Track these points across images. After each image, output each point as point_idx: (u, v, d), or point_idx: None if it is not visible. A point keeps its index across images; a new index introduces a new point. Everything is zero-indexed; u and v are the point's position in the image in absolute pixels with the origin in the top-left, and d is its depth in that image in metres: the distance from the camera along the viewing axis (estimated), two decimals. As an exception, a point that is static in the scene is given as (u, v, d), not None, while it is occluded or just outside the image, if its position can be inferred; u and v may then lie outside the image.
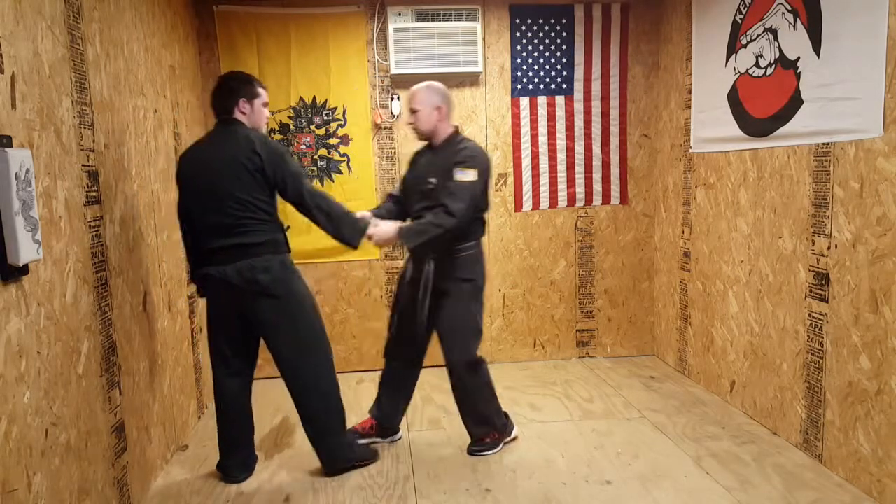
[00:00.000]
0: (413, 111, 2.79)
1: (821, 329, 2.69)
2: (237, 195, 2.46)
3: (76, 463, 2.03)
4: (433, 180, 2.75)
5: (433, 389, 3.60)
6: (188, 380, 3.26)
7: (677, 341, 4.00)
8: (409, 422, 3.23)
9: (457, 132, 2.86)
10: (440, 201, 2.67)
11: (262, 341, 2.69)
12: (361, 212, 2.79)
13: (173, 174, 3.16)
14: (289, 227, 2.68)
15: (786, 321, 2.92)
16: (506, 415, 3.03)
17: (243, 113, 2.60)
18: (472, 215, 2.73)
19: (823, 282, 2.66)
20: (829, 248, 2.62)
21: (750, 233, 3.17)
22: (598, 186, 4.18)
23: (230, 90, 2.59)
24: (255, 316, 2.56)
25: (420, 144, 2.96)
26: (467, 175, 2.68)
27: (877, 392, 2.40)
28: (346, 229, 2.62)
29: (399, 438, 3.10)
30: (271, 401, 3.67)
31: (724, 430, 3.08)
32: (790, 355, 2.90)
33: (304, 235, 3.94)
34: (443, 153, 2.79)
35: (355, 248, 2.69)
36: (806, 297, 2.77)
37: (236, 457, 2.75)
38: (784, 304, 2.92)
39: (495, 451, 2.92)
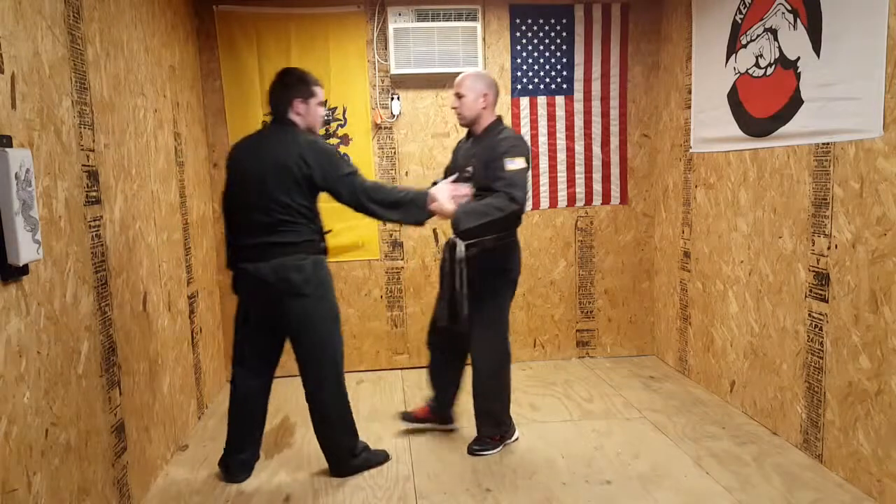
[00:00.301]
0: (459, 96, 2.80)
1: (821, 329, 2.69)
2: (280, 199, 2.47)
3: (76, 463, 2.03)
4: (470, 168, 2.76)
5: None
6: (188, 380, 3.27)
7: (677, 341, 4.00)
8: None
9: (499, 121, 2.85)
10: (496, 189, 2.62)
11: (284, 344, 2.72)
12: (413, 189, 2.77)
13: (173, 174, 3.17)
14: (329, 231, 2.68)
15: (786, 321, 2.92)
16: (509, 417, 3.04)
17: (298, 114, 2.58)
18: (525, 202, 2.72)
19: (823, 282, 2.66)
20: (829, 248, 2.62)
21: (750, 233, 3.17)
22: (597, 186, 4.18)
23: (285, 88, 2.58)
24: (282, 313, 2.56)
25: (452, 137, 2.99)
26: (516, 163, 2.66)
27: (877, 392, 2.40)
28: (411, 213, 2.59)
29: (455, 429, 3.15)
30: (271, 401, 3.66)
31: (724, 430, 3.08)
32: (790, 355, 2.90)
33: (304, 235, 3.94)
34: (483, 142, 2.80)
35: (423, 225, 2.69)
36: (806, 297, 2.77)
37: (240, 456, 2.75)
38: (784, 304, 2.92)
39: (495, 451, 2.93)
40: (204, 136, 3.83)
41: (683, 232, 3.87)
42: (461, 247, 2.76)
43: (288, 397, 3.72)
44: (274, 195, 2.47)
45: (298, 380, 4.13)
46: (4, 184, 1.65)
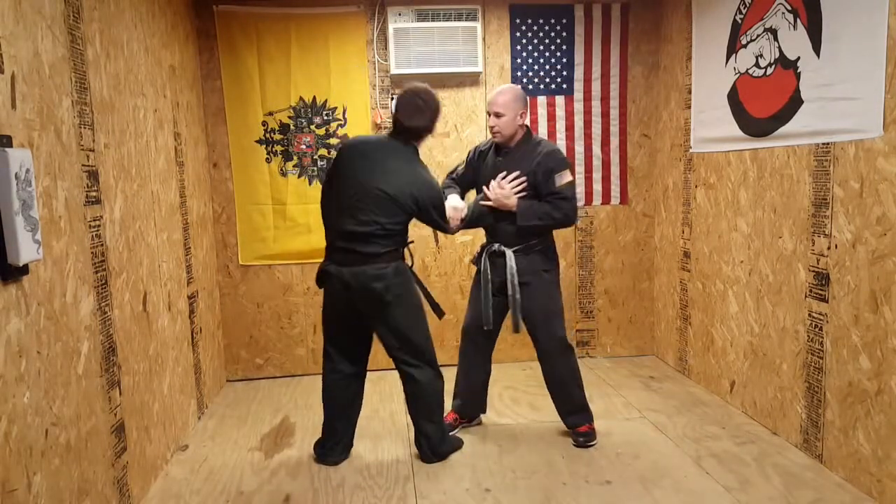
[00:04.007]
0: (498, 115, 2.81)
1: (821, 329, 2.69)
2: (377, 219, 2.60)
3: (76, 463, 2.03)
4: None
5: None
6: (188, 380, 3.27)
7: (677, 341, 4.00)
8: (409, 422, 3.22)
9: (529, 132, 2.93)
10: (548, 199, 2.79)
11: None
12: (453, 197, 2.91)
13: (173, 174, 3.17)
14: (412, 241, 2.81)
15: (786, 321, 2.92)
16: None
17: (422, 138, 2.77)
18: None
19: (823, 282, 2.66)
20: (829, 248, 2.62)
21: (750, 233, 3.17)
22: (597, 186, 4.18)
23: (430, 121, 2.70)
24: (368, 318, 2.72)
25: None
26: (565, 177, 2.80)
27: (877, 392, 2.40)
28: (481, 217, 2.87)
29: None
30: (271, 401, 3.68)
31: (724, 430, 3.08)
32: (790, 355, 2.90)
33: (304, 235, 3.95)
34: (516, 155, 2.86)
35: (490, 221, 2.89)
36: (806, 297, 2.77)
37: (335, 440, 2.88)
38: (784, 304, 2.92)
39: (596, 442, 2.97)
40: (204, 136, 3.83)
41: (683, 232, 3.87)
42: (510, 255, 2.85)
43: (288, 397, 3.72)
44: (372, 214, 2.59)
45: (298, 380, 4.15)
46: (4, 184, 1.65)
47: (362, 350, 2.89)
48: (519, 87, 2.92)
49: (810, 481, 2.58)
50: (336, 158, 2.74)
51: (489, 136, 4.13)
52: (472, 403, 3.17)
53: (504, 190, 2.77)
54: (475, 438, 3.07)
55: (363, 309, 2.68)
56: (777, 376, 3.00)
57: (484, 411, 3.24)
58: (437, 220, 2.74)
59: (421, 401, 2.82)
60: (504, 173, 2.81)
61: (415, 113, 2.65)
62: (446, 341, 4.17)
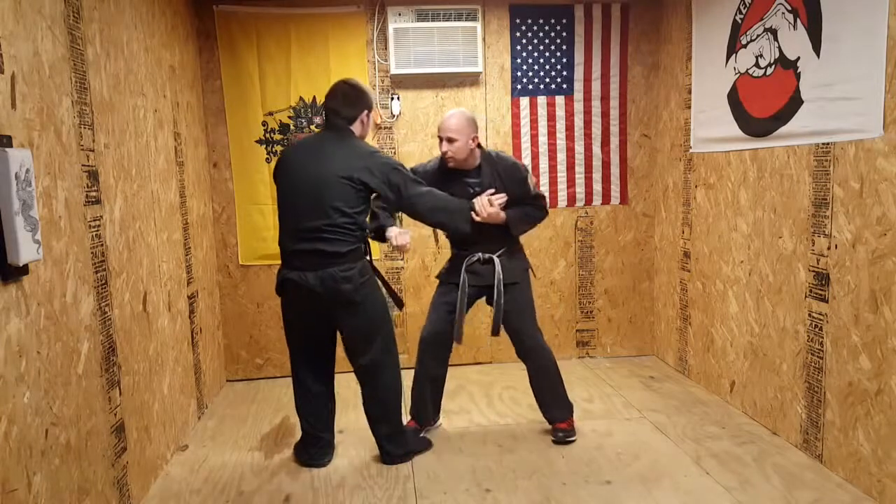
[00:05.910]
0: (451, 140, 2.82)
1: (821, 329, 2.69)
2: (338, 205, 2.53)
3: (76, 463, 2.03)
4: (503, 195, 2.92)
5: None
6: (188, 380, 3.27)
7: (677, 341, 4.00)
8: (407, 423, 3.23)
9: (483, 149, 2.97)
10: (529, 203, 2.95)
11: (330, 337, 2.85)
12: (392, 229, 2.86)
13: (173, 174, 3.17)
14: (371, 234, 2.78)
15: (786, 321, 2.92)
16: None
17: (362, 123, 2.70)
18: None
19: (823, 282, 2.66)
20: (829, 248, 2.62)
21: (750, 233, 3.17)
22: (597, 186, 4.19)
23: (356, 100, 2.66)
24: (336, 320, 2.69)
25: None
26: (531, 178, 2.98)
27: (877, 392, 2.40)
28: (455, 219, 2.76)
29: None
30: (271, 401, 3.68)
31: (724, 430, 3.08)
32: (790, 355, 2.90)
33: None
34: (488, 172, 2.90)
35: (465, 232, 2.80)
36: (806, 297, 2.77)
37: (319, 447, 2.87)
38: (784, 304, 2.92)
39: (575, 438, 3.01)
40: (204, 136, 3.83)
41: (683, 232, 3.87)
42: (498, 262, 2.91)
43: (288, 397, 3.71)
44: (333, 203, 2.53)
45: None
46: (4, 184, 1.65)
47: (328, 361, 2.86)
48: (468, 111, 2.95)
49: (810, 481, 2.58)
50: (278, 165, 2.71)
51: (486, 135, 4.12)
52: (429, 408, 3.12)
53: (494, 208, 2.80)
54: (475, 438, 3.07)
55: (330, 312, 2.64)
56: (777, 376, 3.00)
57: (438, 416, 3.19)
58: (405, 182, 2.61)
59: (382, 402, 2.78)
60: (490, 191, 2.84)
61: (344, 100, 2.65)
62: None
